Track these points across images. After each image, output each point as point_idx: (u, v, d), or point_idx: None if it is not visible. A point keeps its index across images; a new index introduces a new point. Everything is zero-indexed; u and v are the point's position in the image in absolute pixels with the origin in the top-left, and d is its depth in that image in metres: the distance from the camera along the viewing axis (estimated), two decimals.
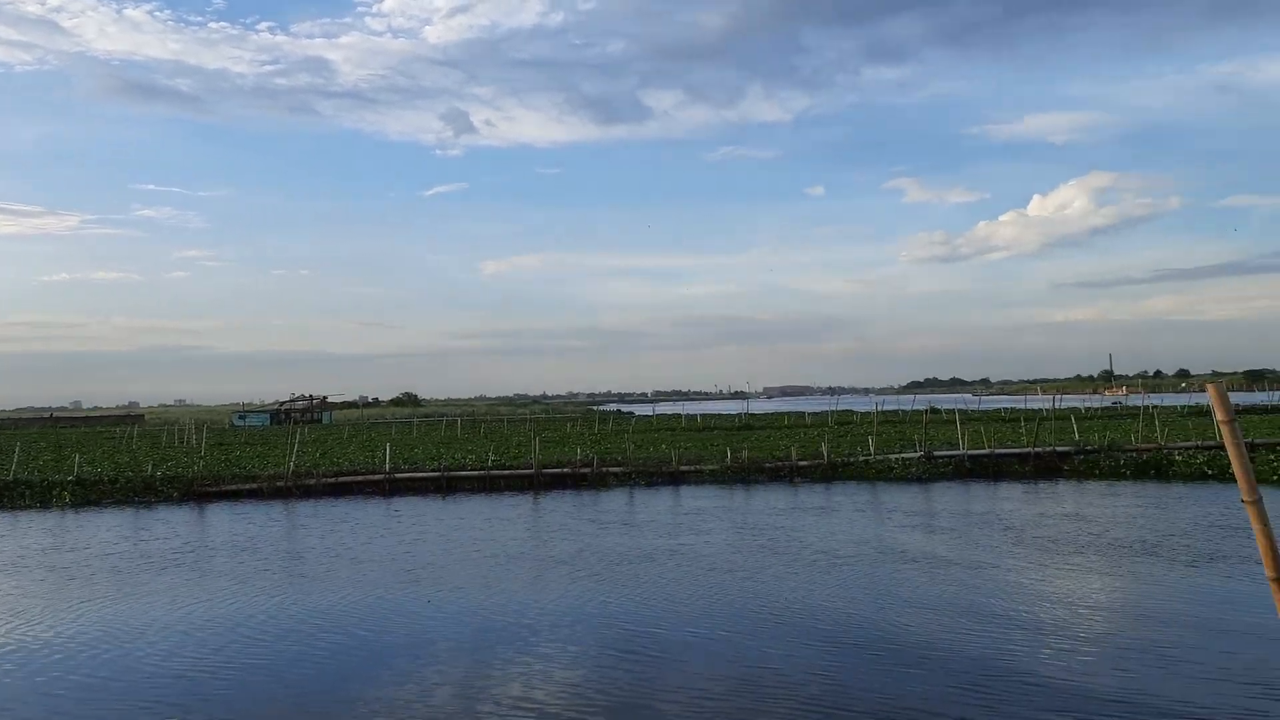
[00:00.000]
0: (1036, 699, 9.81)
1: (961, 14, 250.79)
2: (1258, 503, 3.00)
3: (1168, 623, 12.94)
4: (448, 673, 11.41)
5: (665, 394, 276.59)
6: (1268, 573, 3.06)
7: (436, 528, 23.98)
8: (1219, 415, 3.04)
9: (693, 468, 33.71)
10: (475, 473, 33.42)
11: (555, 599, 15.40)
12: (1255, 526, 3.05)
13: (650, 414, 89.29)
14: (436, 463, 35.56)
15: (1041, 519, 22.54)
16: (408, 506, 28.47)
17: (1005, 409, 73.94)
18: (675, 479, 32.88)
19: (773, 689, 10.46)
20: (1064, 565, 17.18)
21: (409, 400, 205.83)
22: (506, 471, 33.51)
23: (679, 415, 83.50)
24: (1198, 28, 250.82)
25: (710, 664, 11.50)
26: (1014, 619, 13.30)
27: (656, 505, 27.20)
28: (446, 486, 32.39)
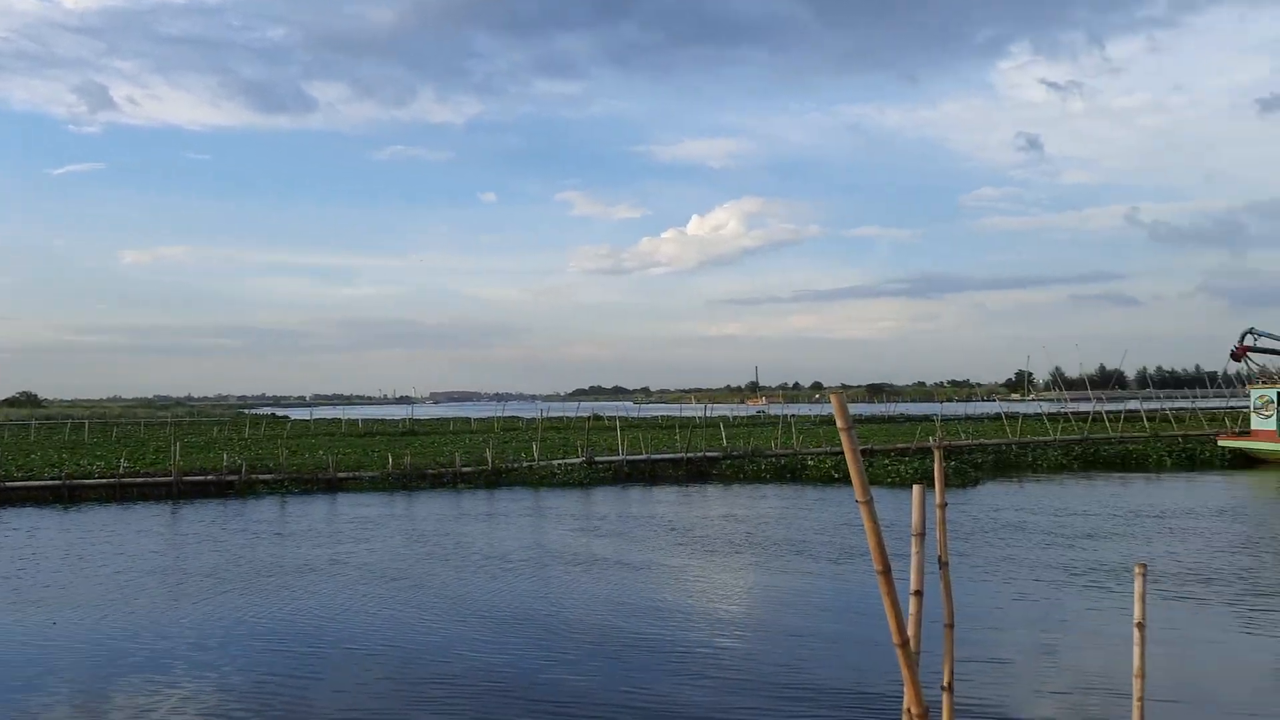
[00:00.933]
0: (710, 684, 10.37)
1: (628, 37, 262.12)
2: (869, 503, 3.29)
3: (819, 610, 14.17)
4: (66, 710, 10.26)
5: (326, 398, 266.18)
6: (875, 566, 3.36)
7: (57, 541, 21.60)
8: (839, 423, 3.31)
9: (352, 475, 32.68)
10: (104, 480, 30.43)
11: (199, 616, 14.33)
12: (866, 524, 3.34)
13: (308, 418, 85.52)
14: (57, 470, 32.05)
15: (703, 520, 23.91)
16: (20, 519, 25.44)
17: (663, 416, 77.76)
18: (333, 486, 31.71)
19: (440, 697, 10.32)
20: (724, 563, 18.34)
21: (27, 400, 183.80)
22: (141, 479, 30.79)
23: (339, 420, 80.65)
24: (834, 72, 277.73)
25: (374, 677, 11.16)
26: (682, 612, 13.99)
27: (313, 514, 26.09)
28: (69, 496, 29.27)
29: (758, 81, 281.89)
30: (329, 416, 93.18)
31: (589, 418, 49.43)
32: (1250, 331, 44.35)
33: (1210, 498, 28.34)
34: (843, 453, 31.23)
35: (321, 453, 41.32)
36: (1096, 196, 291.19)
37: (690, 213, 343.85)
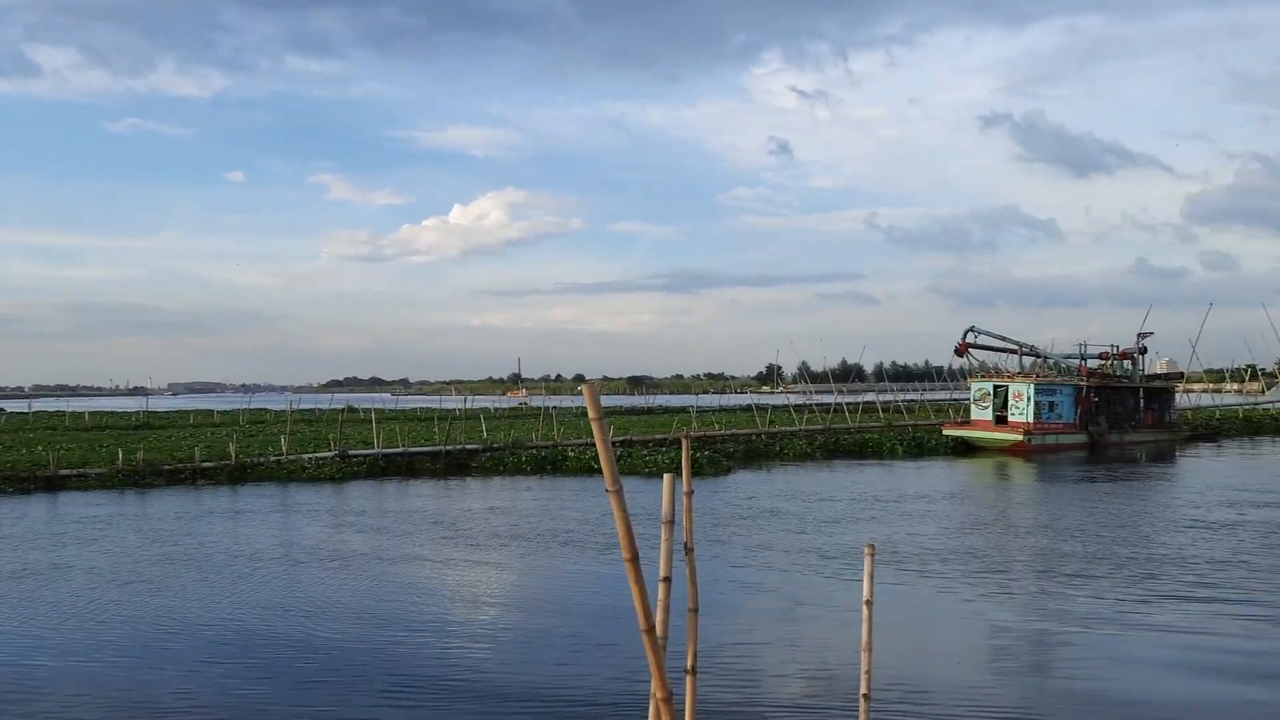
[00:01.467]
0: (481, 689, 10.22)
1: (387, 19, 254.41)
2: (619, 492, 3.31)
3: (578, 602, 14.28)
4: None
5: (48, 389, 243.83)
6: (624, 554, 3.37)
7: None
8: (591, 413, 3.31)
9: (76, 472, 30.15)
10: None
11: None
12: (616, 513, 3.35)
13: (26, 410, 78.08)
14: None
15: (464, 514, 23.61)
16: None
17: (421, 409, 76.28)
18: (54, 485, 29.13)
19: (179, 714, 9.67)
20: (486, 557, 18.18)
21: None
22: None
23: (63, 413, 74.11)
24: (598, 68, 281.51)
25: (104, 698, 10.30)
26: (446, 613, 13.74)
27: (30, 515, 23.87)
28: None
29: (522, 73, 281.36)
30: (51, 409, 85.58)
31: (343, 410, 47.72)
32: (971, 330, 48.54)
33: (939, 482, 30.80)
34: None
35: (41, 448, 37.79)
36: (840, 200, 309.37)
37: (453, 201, 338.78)
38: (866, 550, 5.65)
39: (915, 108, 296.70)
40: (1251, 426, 54.16)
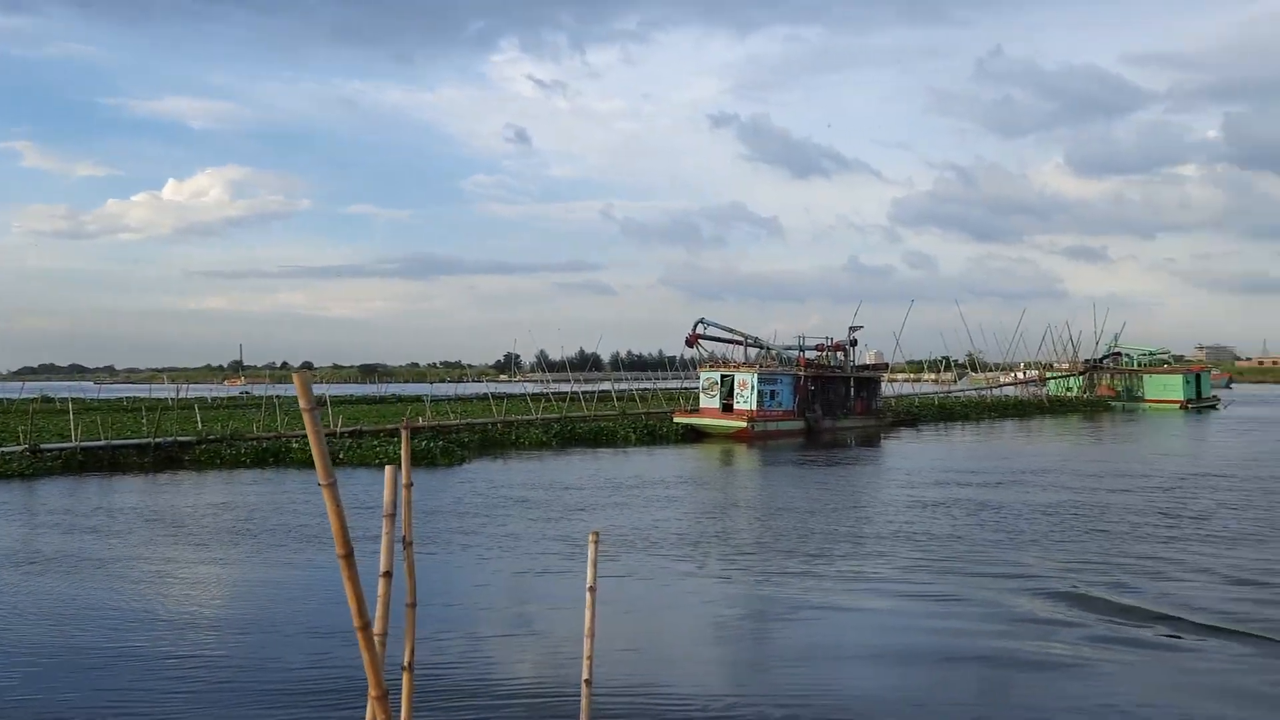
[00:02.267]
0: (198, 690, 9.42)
1: None
2: (332, 486, 3.09)
3: (299, 601, 13.54)
4: None
5: None
6: (338, 550, 3.17)
7: None
8: (301, 403, 3.07)
9: None
10: None
11: None
12: (329, 507, 3.14)
13: None
14: None
15: (181, 511, 21.90)
16: None
17: (128, 398, 70.57)
18: None
19: None
20: (205, 555, 16.91)
21: None
22: None
23: None
24: (327, 43, 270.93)
25: None
26: (158, 613, 12.64)
27: None
28: None
29: (247, 43, 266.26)
30: None
31: (36, 399, 43.37)
32: (701, 321, 50.48)
33: (672, 468, 31.79)
34: (329, 436, 30.27)
35: None
36: (579, 191, 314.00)
37: (167, 176, 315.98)
38: (590, 538, 5.66)
39: (650, 104, 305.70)
40: (945, 413, 59.56)
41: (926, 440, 44.86)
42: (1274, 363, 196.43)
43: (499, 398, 55.72)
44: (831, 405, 49.86)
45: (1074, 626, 12.09)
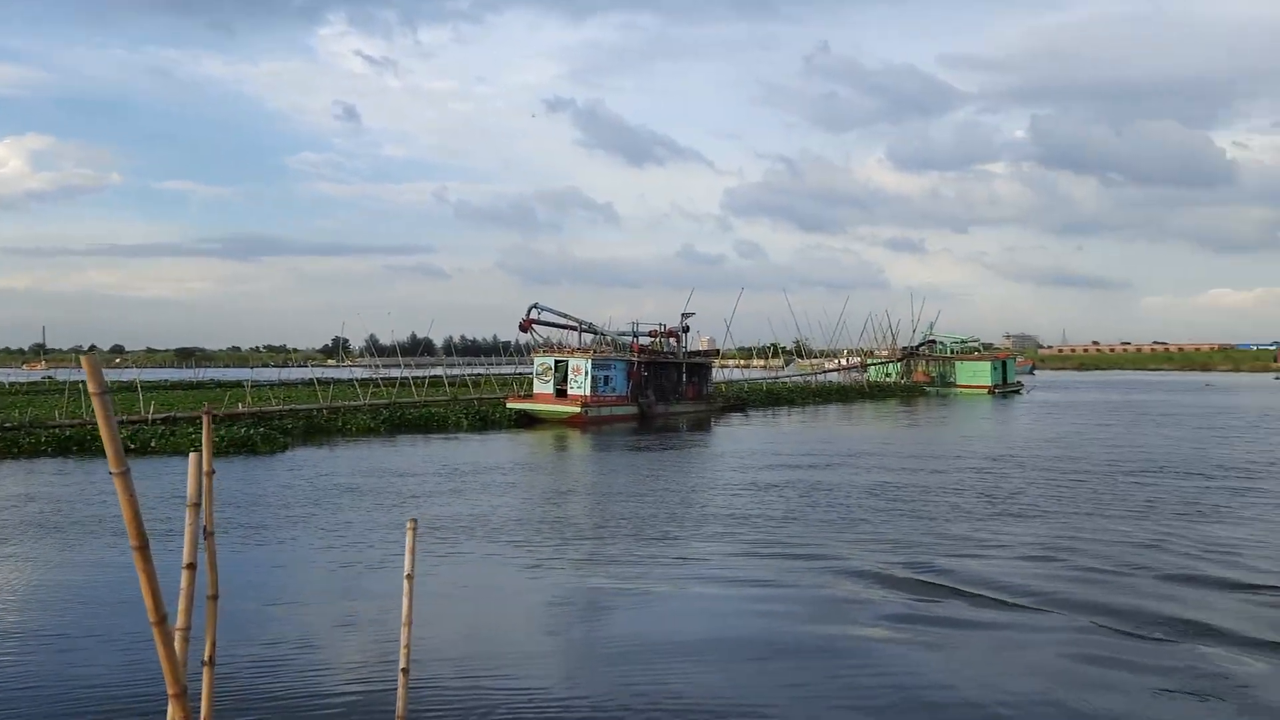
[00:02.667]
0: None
1: None
2: (125, 474, 2.97)
3: (100, 599, 12.79)
4: None
5: None
6: (132, 541, 3.05)
7: None
8: (91, 387, 2.93)
9: None
10: None
11: None
12: (122, 497, 3.02)
13: None
14: None
15: None
16: None
17: None
18: None
19: None
20: (9, 552, 15.73)
21: None
22: None
23: None
24: (138, 9, 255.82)
25: None
26: None
27: None
28: None
29: (51, 6, 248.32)
30: None
31: None
32: (535, 306, 50.33)
33: (507, 454, 31.61)
34: (140, 423, 28.74)
35: None
36: (412, 172, 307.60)
37: None
38: (408, 525, 5.60)
39: (485, 85, 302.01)
40: (773, 398, 61.35)
41: (755, 424, 46.12)
42: (1072, 350, 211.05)
43: (325, 383, 53.93)
44: (664, 391, 50.61)
45: (891, 606, 12.65)
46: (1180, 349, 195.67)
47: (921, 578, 14.00)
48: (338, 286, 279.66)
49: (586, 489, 23.76)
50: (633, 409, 47.25)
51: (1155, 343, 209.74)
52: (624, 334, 52.26)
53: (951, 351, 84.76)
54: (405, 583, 4.90)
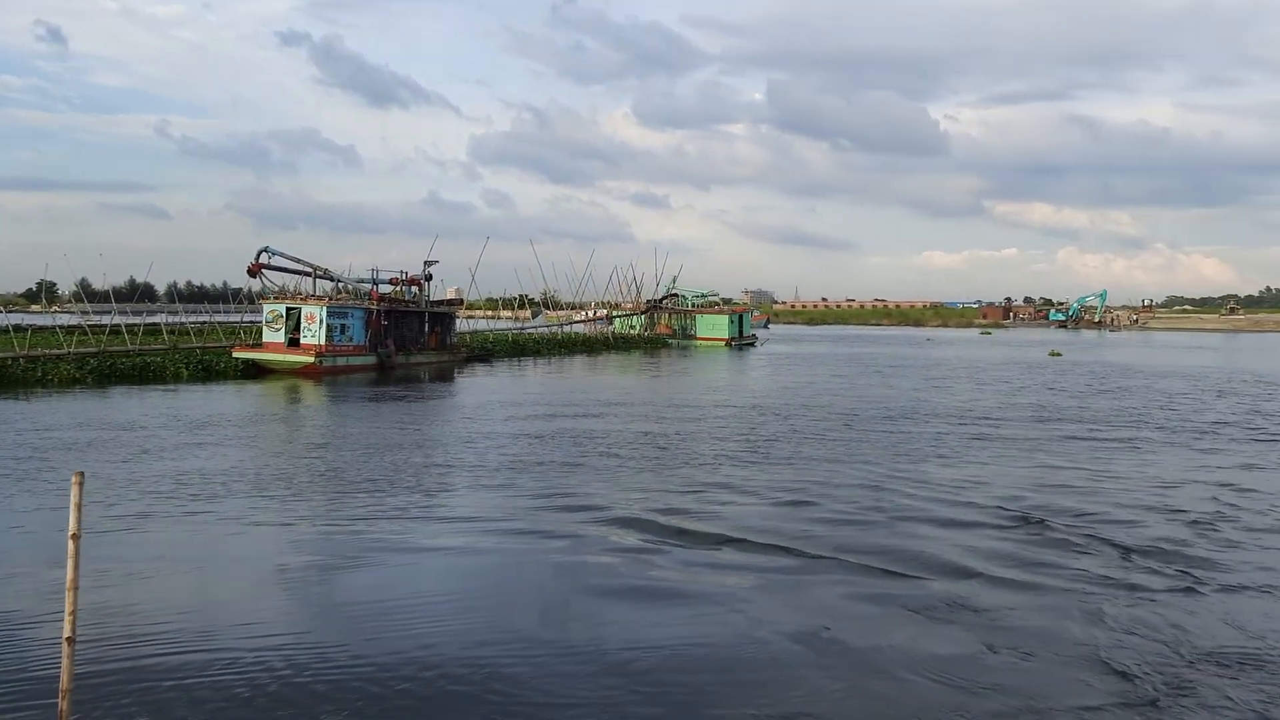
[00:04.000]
0: None
1: None
2: None
3: None
4: None
5: None
6: None
7: None
8: None
9: None
10: None
11: None
12: None
13: None
14: None
15: None
16: None
17: None
18: None
19: None
20: None
21: None
22: None
23: None
24: None
25: None
26: None
27: None
28: None
29: None
30: None
31: None
32: (265, 250, 47.34)
33: (234, 406, 29.64)
34: None
35: None
36: (128, 103, 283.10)
37: None
38: (74, 479, 4.86)
39: (214, 13, 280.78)
40: (519, 348, 61.10)
41: (500, 375, 45.72)
42: (804, 305, 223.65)
43: (24, 330, 48.68)
44: (405, 341, 49.21)
45: (647, 552, 12.70)
46: (898, 306, 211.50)
47: (677, 524, 14.13)
48: (43, 225, 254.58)
49: (322, 442, 22.55)
50: (371, 359, 45.64)
51: (876, 299, 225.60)
52: (363, 281, 50.23)
53: (692, 305, 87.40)
54: (70, 543, 4.22)
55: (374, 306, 46.97)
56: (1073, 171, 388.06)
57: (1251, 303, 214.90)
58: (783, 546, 12.86)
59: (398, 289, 51.01)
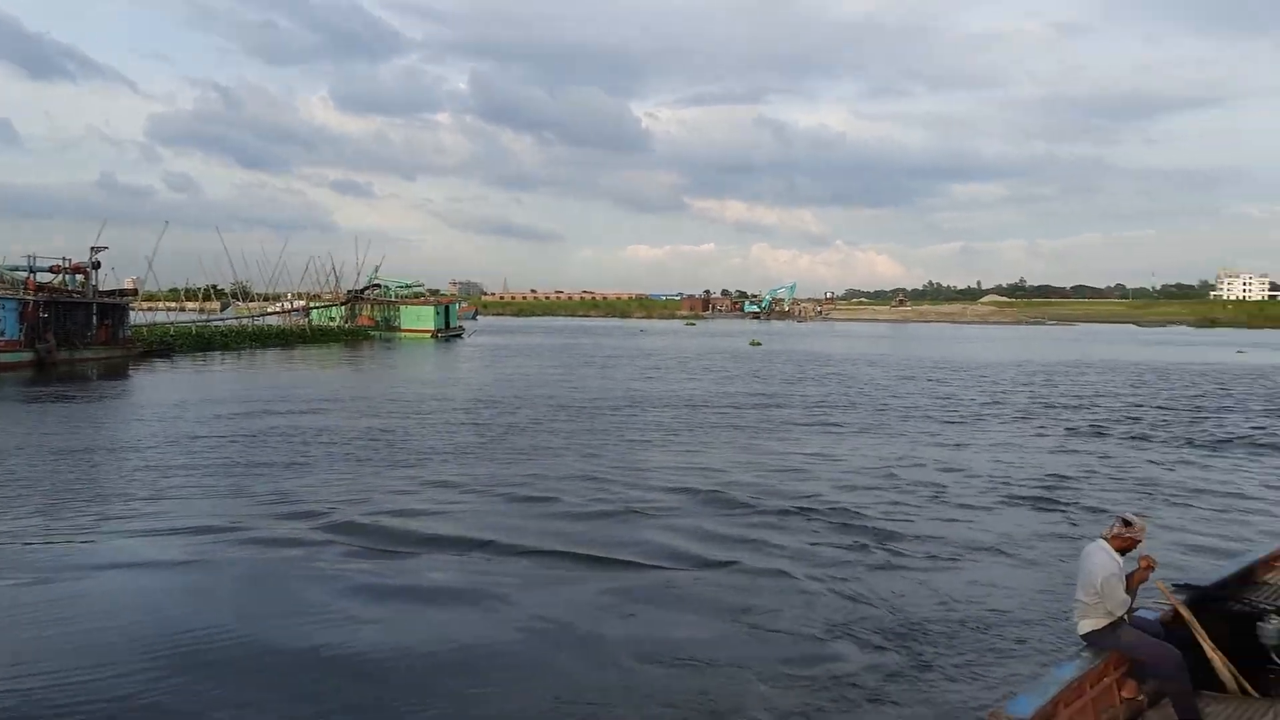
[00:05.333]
0: None
1: None
2: None
3: None
4: None
5: None
6: None
7: None
8: None
9: None
10: None
11: None
12: None
13: None
14: None
15: None
16: None
17: None
18: None
19: None
20: None
21: None
22: None
23: None
24: None
25: None
26: None
27: None
28: None
29: None
30: None
31: None
32: None
33: None
34: None
35: None
36: None
37: None
38: None
39: None
40: (204, 342, 56.25)
41: (183, 371, 41.60)
42: (513, 297, 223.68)
43: None
44: (69, 334, 43.77)
45: (361, 557, 11.66)
46: (605, 297, 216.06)
47: (402, 527, 13.05)
48: None
49: None
50: (26, 355, 40.11)
51: (585, 291, 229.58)
52: (17, 269, 44.15)
53: (397, 296, 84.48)
54: None
55: (30, 297, 41.34)
56: (764, 171, 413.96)
57: (917, 295, 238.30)
58: (514, 545, 12.11)
59: (59, 278, 45.31)
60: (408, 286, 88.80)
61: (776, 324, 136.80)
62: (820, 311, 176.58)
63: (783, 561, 11.57)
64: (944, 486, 16.41)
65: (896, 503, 15.05)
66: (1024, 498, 15.50)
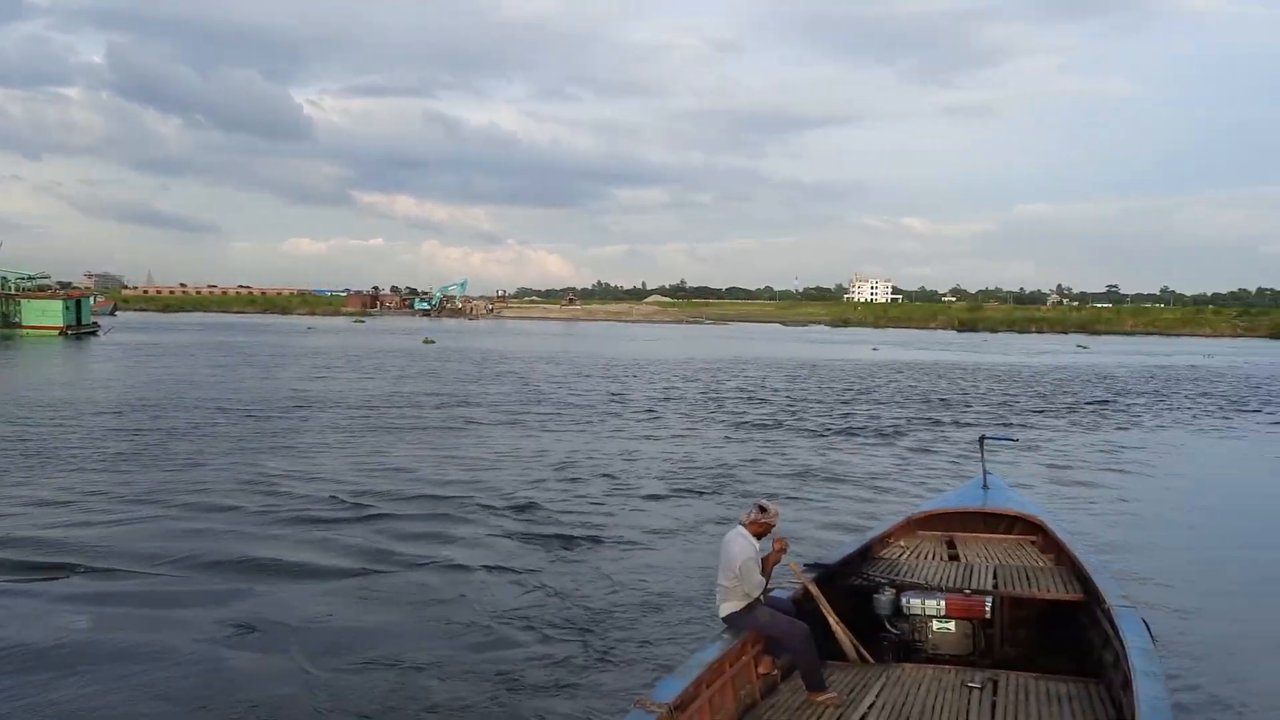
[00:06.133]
0: None
1: None
2: None
3: None
4: None
5: None
6: None
7: None
8: None
9: None
10: None
11: None
12: None
13: None
14: None
15: None
16: None
17: None
18: None
19: None
20: None
21: None
22: None
23: None
24: None
25: None
26: None
27: None
28: None
29: None
30: None
31: None
32: None
33: None
34: None
35: None
36: None
37: None
38: None
39: None
40: None
41: None
42: (159, 291, 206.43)
43: None
44: None
45: None
46: (264, 293, 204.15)
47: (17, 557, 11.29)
48: None
49: None
50: None
51: (241, 286, 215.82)
52: None
53: (17, 289, 75.34)
54: None
55: None
56: (435, 167, 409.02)
57: (587, 294, 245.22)
58: (186, 557, 11.19)
59: None
60: (30, 278, 79.60)
61: (449, 322, 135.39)
62: (492, 309, 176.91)
63: (464, 555, 11.60)
64: (621, 478, 17.00)
65: (578, 495, 15.43)
66: (693, 488, 16.35)
